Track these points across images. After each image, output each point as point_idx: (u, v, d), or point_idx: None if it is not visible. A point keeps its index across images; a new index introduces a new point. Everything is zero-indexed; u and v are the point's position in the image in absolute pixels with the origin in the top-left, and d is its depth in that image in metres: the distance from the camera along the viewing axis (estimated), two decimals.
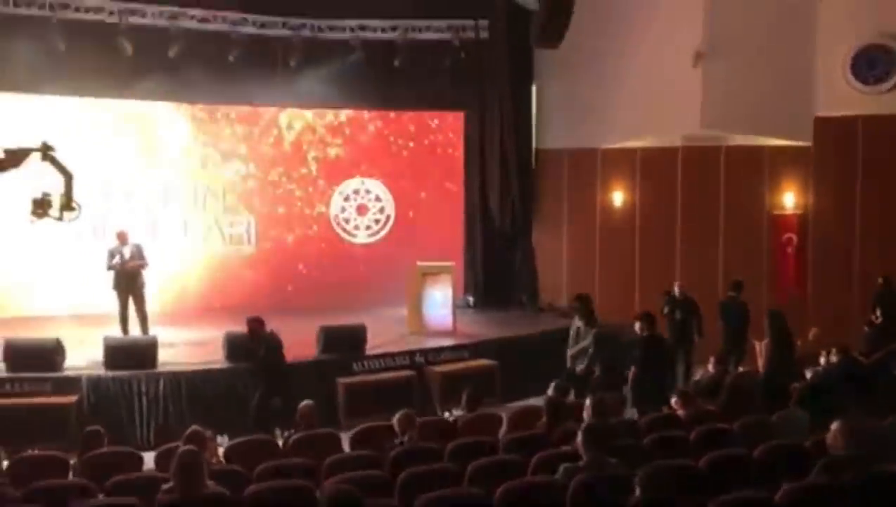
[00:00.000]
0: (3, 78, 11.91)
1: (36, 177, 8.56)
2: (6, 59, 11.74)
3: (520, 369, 10.43)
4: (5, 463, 6.30)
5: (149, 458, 6.46)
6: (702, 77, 12.58)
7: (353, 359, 9.98)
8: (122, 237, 10.46)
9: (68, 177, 8.42)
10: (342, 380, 9.57)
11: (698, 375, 9.77)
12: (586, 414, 6.03)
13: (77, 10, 12.44)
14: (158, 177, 13.57)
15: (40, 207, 8.24)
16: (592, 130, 13.56)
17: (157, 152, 13.60)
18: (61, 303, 12.22)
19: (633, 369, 8.27)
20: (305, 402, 6.80)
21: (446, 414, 8.88)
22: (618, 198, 13.81)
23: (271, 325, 9.53)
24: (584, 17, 12.42)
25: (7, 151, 8.40)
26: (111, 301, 10.52)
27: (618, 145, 13.68)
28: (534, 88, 14.26)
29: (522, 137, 14.14)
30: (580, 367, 9.02)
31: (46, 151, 8.42)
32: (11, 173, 8.39)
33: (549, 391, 7.30)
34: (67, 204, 8.32)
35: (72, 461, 6.08)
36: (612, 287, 13.21)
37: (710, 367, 8.84)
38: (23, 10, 12.13)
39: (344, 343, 10.12)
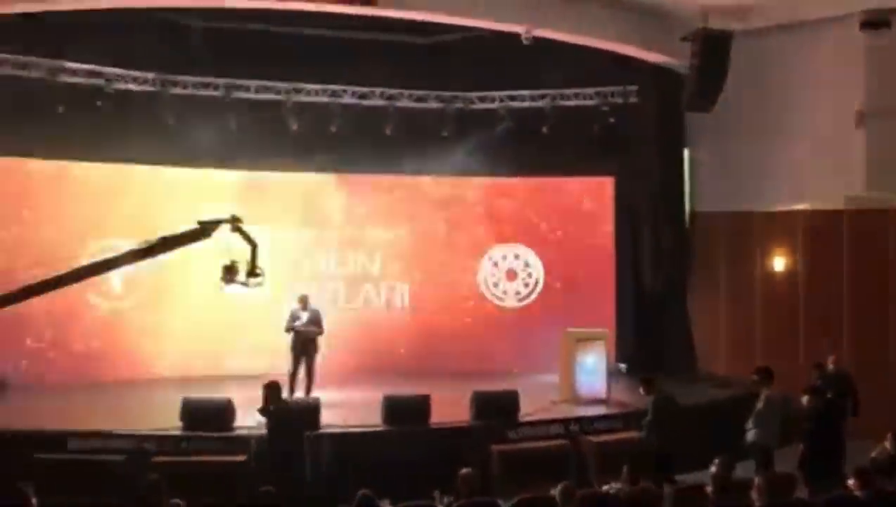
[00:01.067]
0: (187, 154, 12.99)
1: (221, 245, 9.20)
2: (189, 137, 12.79)
3: (679, 442, 10.13)
4: None
5: None
6: (865, 137, 12.14)
7: (507, 426, 10.01)
8: (303, 301, 11.12)
9: (254, 246, 8.97)
10: (497, 447, 9.60)
11: (874, 451, 9.19)
12: (755, 493, 5.82)
13: (248, 90, 13.45)
14: (319, 244, 14.27)
15: (229, 273, 8.81)
16: (749, 192, 13.24)
17: (319, 222, 14.31)
18: (241, 364, 12.90)
19: (802, 444, 7.91)
20: (466, 469, 6.88)
21: (605, 487, 8.73)
22: (778, 262, 13.33)
23: (423, 389, 9.80)
24: (738, 79, 12.32)
25: (201, 223, 9.03)
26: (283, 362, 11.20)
27: (777, 208, 13.28)
28: (686, 152, 14.13)
29: (675, 202, 13.99)
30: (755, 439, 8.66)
31: (235, 223, 9.01)
32: (203, 243, 9.08)
33: (714, 467, 7.08)
34: (252, 271, 8.86)
35: None
36: (773, 356, 12.68)
37: (888, 444, 8.31)
38: (201, 92, 13.25)
39: (497, 409, 10.19)
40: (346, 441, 9.24)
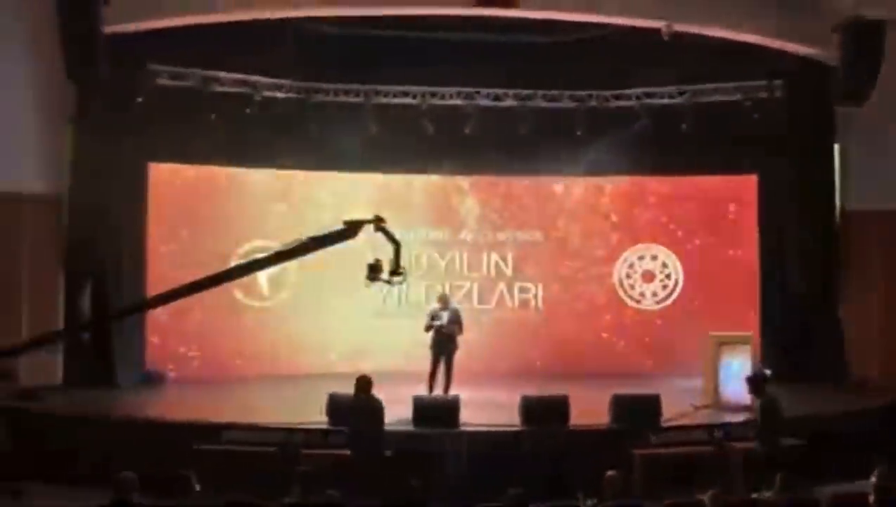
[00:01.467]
0: (329, 159, 13.44)
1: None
2: (331, 143, 13.23)
3: (830, 451, 9.68)
4: None
5: None
6: None
7: (648, 430, 9.81)
8: (443, 300, 11.32)
9: (397, 245, 9.11)
10: (639, 451, 9.43)
11: None
12: None
13: (385, 95, 13.78)
14: (454, 246, 14.44)
15: (374, 271, 9.02)
16: None
17: (453, 223, 14.48)
18: (378, 362, 13.18)
19: None
20: (612, 472, 6.80)
21: (754, 495, 8.43)
22: None
23: (559, 391, 9.73)
24: (893, 70, 11.66)
25: (346, 223, 9.27)
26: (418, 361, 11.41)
27: None
28: (836, 147, 13.45)
29: (824, 199, 13.34)
30: None
31: (379, 223, 9.22)
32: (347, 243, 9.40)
33: (874, 477, 6.72)
34: (396, 270, 9.04)
35: None
36: None
37: None
38: (342, 98, 13.67)
39: (638, 413, 10.01)
40: (485, 440, 9.28)
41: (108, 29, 11.12)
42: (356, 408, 8.69)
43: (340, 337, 13.78)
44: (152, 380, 12.65)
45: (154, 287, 12.26)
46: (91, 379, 12.05)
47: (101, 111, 12.17)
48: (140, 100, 12.27)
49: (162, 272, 12.52)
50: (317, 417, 9.75)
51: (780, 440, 8.75)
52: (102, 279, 12.37)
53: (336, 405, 9.50)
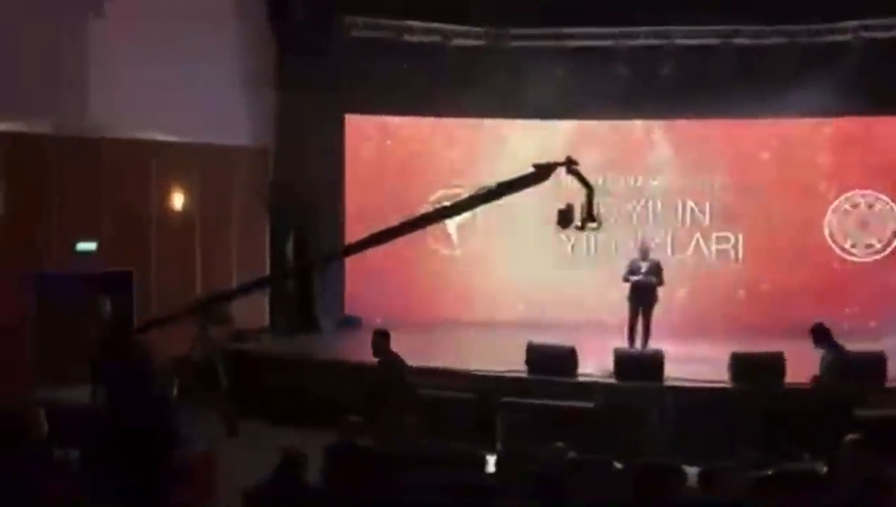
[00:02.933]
0: (520, 106, 13.15)
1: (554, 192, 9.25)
2: (522, 89, 12.96)
3: None
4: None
5: None
6: None
7: (871, 390, 9.03)
8: (643, 251, 10.93)
9: (590, 190, 8.80)
10: (861, 412, 8.69)
11: None
12: None
13: (578, 38, 13.27)
14: (646, 194, 13.86)
15: (565, 217, 8.73)
16: None
17: (647, 170, 13.89)
18: (566, 311, 13.01)
19: None
20: (854, 435, 6.25)
21: None
22: None
23: (763, 345, 9.12)
24: None
25: (536, 166, 9.02)
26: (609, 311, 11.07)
27: None
28: None
29: None
30: None
31: (570, 166, 8.88)
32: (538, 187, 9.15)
33: None
34: (589, 216, 8.70)
35: None
36: None
37: None
38: (534, 43, 13.30)
39: (857, 372, 9.20)
40: (692, 396, 8.86)
41: None
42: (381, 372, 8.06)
43: (528, 286, 13.62)
44: (351, 325, 13.03)
45: (351, 235, 12.57)
46: (295, 324, 12.58)
47: (301, 67, 12.44)
48: (335, 52, 12.44)
49: (358, 220, 12.80)
50: (515, 366, 9.68)
51: None
52: (303, 227, 12.83)
53: (535, 354, 9.37)
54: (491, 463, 6.06)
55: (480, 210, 13.25)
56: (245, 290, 10.26)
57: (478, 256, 13.85)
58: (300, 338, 12.15)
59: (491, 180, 10.10)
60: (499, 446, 7.91)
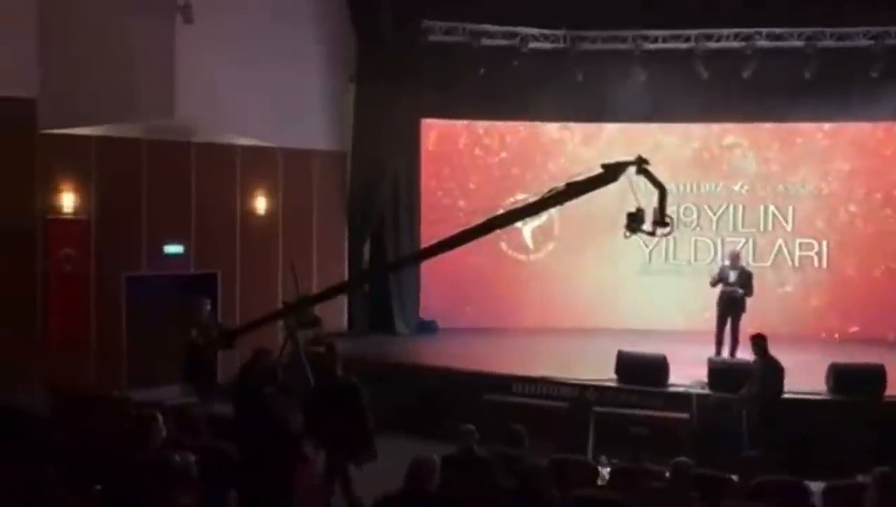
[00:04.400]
0: (595, 109, 13.04)
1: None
2: (597, 92, 12.86)
3: None
4: (607, 471, 6.68)
5: None
6: None
7: None
8: (733, 258, 10.76)
9: (662, 191, 8.57)
10: None
11: None
12: None
13: (655, 40, 13.10)
14: (727, 199, 13.64)
15: (634, 220, 8.52)
16: None
17: (727, 173, 13.66)
18: (650, 318, 12.87)
19: None
20: None
21: None
22: None
23: (857, 354, 8.89)
24: None
25: (604, 166, 8.85)
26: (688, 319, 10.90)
27: None
28: None
29: None
30: None
31: (641, 165, 8.67)
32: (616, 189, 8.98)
33: None
34: (661, 219, 8.47)
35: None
36: None
37: None
38: (609, 46, 13.16)
39: None
40: (790, 408, 8.67)
41: None
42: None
43: (604, 292, 13.52)
44: (425, 329, 13.06)
45: (426, 238, 12.60)
46: (372, 326, 12.64)
47: (379, 70, 12.49)
48: (413, 57, 12.46)
49: (433, 224, 12.81)
50: (605, 373, 9.57)
51: None
52: (380, 229, 12.88)
53: (626, 363, 9.27)
54: (605, 475, 6.00)
55: (557, 216, 13.36)
56: (332, 293, 10.29)
57: (553, 261, 13.78)
58: (377, 340, 12.19)
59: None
60: (603, 457, 7.83)
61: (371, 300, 12.82)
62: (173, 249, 11.02)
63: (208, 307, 8.94)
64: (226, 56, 10.88)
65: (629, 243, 12.59)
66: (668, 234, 8.65)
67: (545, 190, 11.15)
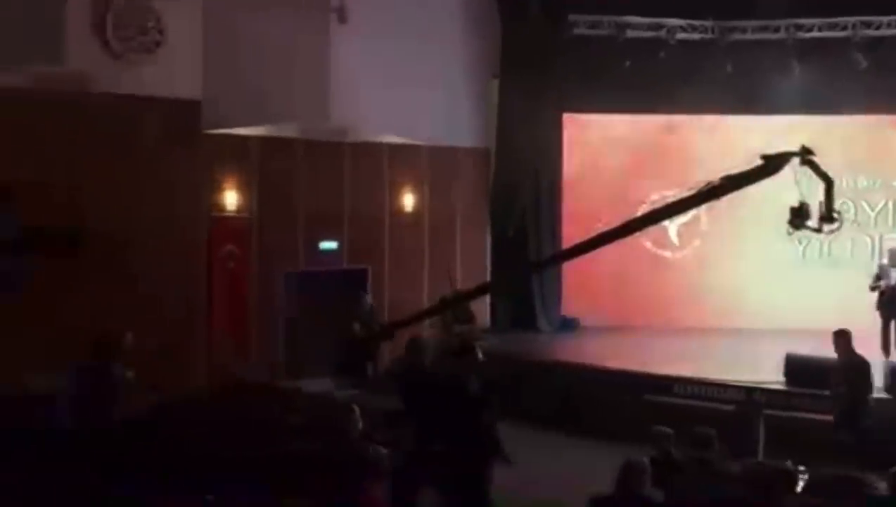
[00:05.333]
0: (747, 101, 12.61)
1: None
2: (747, 83, 12.47)
3: None
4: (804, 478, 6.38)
5: None
6: None
7: None
8: (894, 257, 10.24)
9: (829, 184, 8.15)
10: None
11: None
12: None
13: (810, 28, 12.58)
14: (886, 195, 12.99)
15: (798, 216, 8.13)
16: None
17: (887, 167, 13.00)
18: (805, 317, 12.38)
19: None
20: None
21: None
22: None
23: None
24: None
25: (765, 158, 8.48)
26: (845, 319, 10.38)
27: None
28: None
29: None
30: None
31: (806, 155, 8.26)
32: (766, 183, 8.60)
33: None
34: (828, 214, 8.06)
35: None
36: None
37: None
38: (760, 36, 12.73)
39: None
40: None
41: None
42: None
43: (755, 290, 13.05)
44: (567, 326, 12.95)
45: (567, 235, 12.49)
46: (515, 323, 12.62)
47: (523, 65, 12.44)
48: (557, 51, 12.37)
49: (576, 219, 12.67)
50: (764, 375, 9.27)
51: None
52: (523, 227, 12.82)
53: (795, 366, 8.93)
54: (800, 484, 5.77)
55: (704, 210, 12.98)
56: (483, 291, 10.36)
57: (700, 258, 13.42)
58: (521, 338, 12.16)
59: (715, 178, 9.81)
60: (788, 463, 7.53)
61: (513, 298, 12.79)
62: (328, 245, 11.29)
63: (369, 302, 9.10)
64: (376, 55, 11.06)
65: (781, 238, 12.29)
66: (837, 230, 8.28)
67: (693, 186, 10.93)
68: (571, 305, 13.24)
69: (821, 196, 7.87)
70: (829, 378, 8.17)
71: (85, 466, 4.60)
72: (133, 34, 9.49)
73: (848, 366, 8.00)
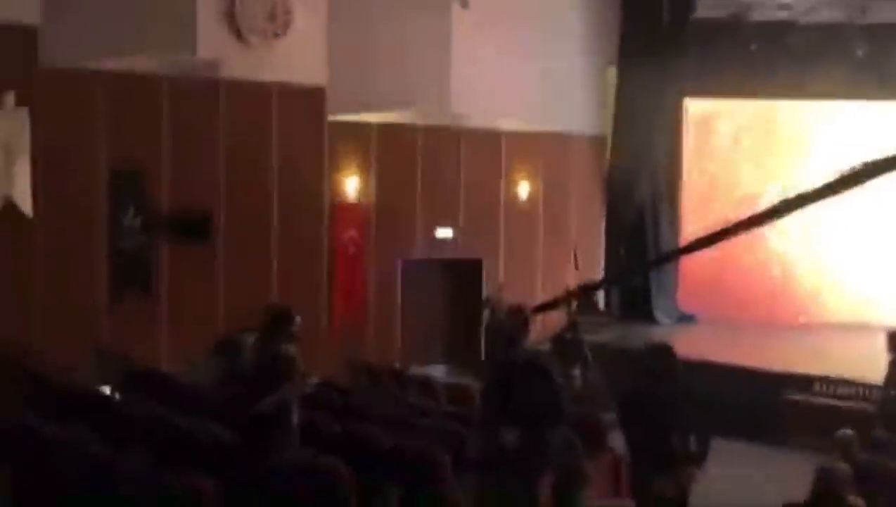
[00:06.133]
0: (877, 87, 12.04)
1: None
2: (881, 67, 11.85)
3: None
4: None
5: None
6: None
7: None
8: None
9: None
10: None
11: None
12: None
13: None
14: None
15: None
16: None
17: None
18: None
19: None
20: None
21: None
22: None
23: None
24: None
25: (866, 164, 8.07)
26: None
27: None
28: None
29: None
30: None
31: None
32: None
33: None
34: None
35: None
36: None
37: None
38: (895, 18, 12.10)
39: None
40: None
41: None
42: None
43: (878, 284, 12.46)
44: (685, 321, 12.61)
45: (687, 226, 12.15)
46: (631, 315, 12.35)
47: (644, 50, 12.11)
48: (678, 34, 12.00)
49: (695, 210, 12.34)
50: None
51: None
52: (641, 216, 12.52)
53: None
54: None
55: (828, 204, 12.45)
56: (611, 282, 10.16)
57: (823, 254, 12.85)
58: (639, 330, 11.87)
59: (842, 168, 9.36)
60: None
61: (630, 290, 12.52)
62: (443, 233, 11.22)
63: (497, 290, 9.04)
64: (496, 41, 10.87)
65: None
66: None
67: (819, 175, 10.48)
68: (689, 300, 12.85)
69: None
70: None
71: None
72: (261, 21, 9.52)
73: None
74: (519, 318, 5.71)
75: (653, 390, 4.93)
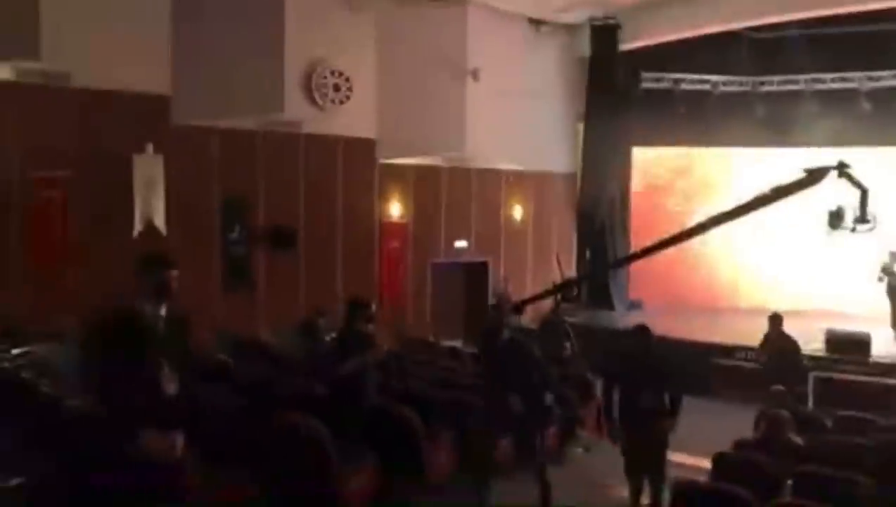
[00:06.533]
0: (775, 138, 11.85)
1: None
2: (776, 125, 11.74)
3: None
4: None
5: None
6: None
7: None
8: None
9: (863, 192, 7.51)
10: None
11: None
12: None
13: (824, 81, 11.76)
14: None
15: (836, 218, 7.51)
16: None
17: None
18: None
19: None
20: None
21: None
22: None
23: None
24: None
25: (807, 171, 7.86)
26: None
27: None
28: None
29: None
30: None
31: (842, 169, 7.61)
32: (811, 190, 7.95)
33: None
34: (862, 217, 7.41)
35: None
36: None
37: None
38: (785, 88, 11.98)
39: None
40: None
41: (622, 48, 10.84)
42: None
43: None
44: (635, 307, 12.40)
45: (636, 240, 11.95)
46: (596, 303, 12.17)
47: (602, 112, 11.95)
48: (629, 100, 11.89)
49: (641, 229, 12.13)
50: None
51: None
52: (602, 232, 12.34)
53: (835, 339, 8.27)
54: None
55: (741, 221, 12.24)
56: (581, 279, 9.99)
57: (737, 256, 12.68)
58: (602, 314, 11.68)
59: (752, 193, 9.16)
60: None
61: (593, 284, 12.31)
62: (461, 243, 11.09)
63: (504, 285, 8.87)
64: (498, 104, 10.75)
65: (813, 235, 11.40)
66: (870, 230, 7.59)
67: (743, 198, 10.26)
68: (637, 290, 12.67)
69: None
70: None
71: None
72: (330, 92, 9.43)
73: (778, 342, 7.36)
74: (503, 307, 5.62)
75: (637, 360, 4.78)
